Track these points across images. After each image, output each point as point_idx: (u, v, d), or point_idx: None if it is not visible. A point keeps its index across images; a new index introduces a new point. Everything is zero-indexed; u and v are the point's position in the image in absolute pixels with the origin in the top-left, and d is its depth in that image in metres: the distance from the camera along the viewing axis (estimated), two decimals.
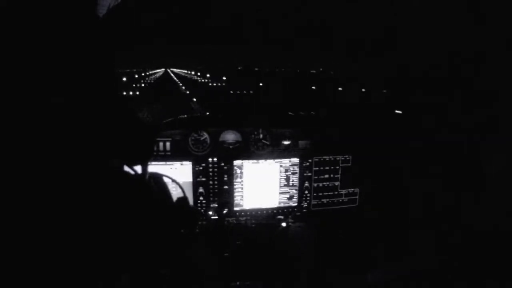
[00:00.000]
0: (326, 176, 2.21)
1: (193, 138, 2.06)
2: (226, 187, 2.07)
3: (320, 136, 2.22)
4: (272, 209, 2.16)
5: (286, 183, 2.16)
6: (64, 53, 0.58)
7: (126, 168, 0.75)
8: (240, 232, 2.04)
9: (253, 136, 2.13)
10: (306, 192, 2.19)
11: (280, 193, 2.16)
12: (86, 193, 0.58)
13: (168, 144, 2.01)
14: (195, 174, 2.03)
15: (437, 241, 2.05)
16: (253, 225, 2.09)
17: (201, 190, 2.05)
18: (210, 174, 2.06)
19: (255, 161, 2.10)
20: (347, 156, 2.22)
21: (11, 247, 0.52)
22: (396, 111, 7.25)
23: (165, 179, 0.86)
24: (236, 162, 2.08)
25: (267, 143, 2.14)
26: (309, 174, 2.17)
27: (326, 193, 2.22)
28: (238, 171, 2.08)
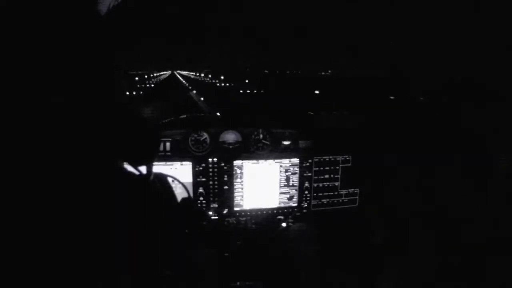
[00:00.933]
0: (326, 176, 2.21)
1: (193, 138, 2.06)
2: (226, 187, 2.07)
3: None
4: (272, 209, 2.16)
5: (286, 183, 2.16)
6: (64, 53, 0.58)
7: (131, 169, 0.75)
8: (240, 232, 2.04)
9: (253, 136, 2.13)
10: (306, 192, 2.19)
11: (280, 193, 2.16)
12: (90, 194, 0.58)
13: (168, 144, 2.01)
14: (195, 174, 2.03)
15: (437, 241, 2.05)
16: (253, 225, 2.09)
17: (201, 190, 2.05)
18: (210, 174, 2.06)
19: (255, 161, 2.10)
20: (347, 156, 2.22)
21: (11, 247, 0.52)
22: None
23: (169, 179, 0.86)
24: (236, 162, 2.08)
25: (267, 143, 2.14)
26: (309, 174, 2.17)
27: (326, 193, 2.22)
28: (238, 171, 2.08)
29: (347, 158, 2.22)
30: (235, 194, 2.10)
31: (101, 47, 0.65)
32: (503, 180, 2.09)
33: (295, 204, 2.19)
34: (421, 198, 2.20)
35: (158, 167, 1.97)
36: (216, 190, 2.07)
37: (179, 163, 2.01)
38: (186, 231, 0.85)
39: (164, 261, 0.72)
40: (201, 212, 1.85)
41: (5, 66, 0.53)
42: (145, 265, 0.65)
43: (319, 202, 2.22)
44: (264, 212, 2.15)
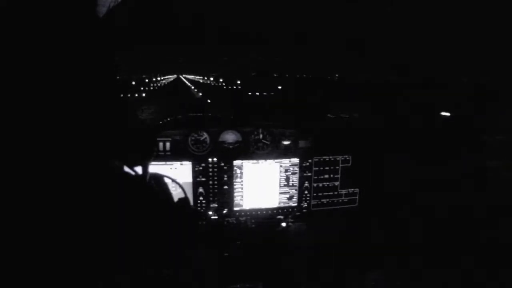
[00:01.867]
0: (326, 176, 2.21)
1: (193, 138, 2.06)
2: (226, 187, 2.07)
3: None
4: (272, 209, 2.16)
5: (286, 183, 2.16)
6: (63, 53, 0.58)
7: (127, 169, 0.75)
8: (240, 232, 2.04)
9: (253, 136, 2.13)
10: (306, 192, 2.19)
11: (280, 193, 2.16)
12: (87, 194, 0.58)
13: (168, 144, 2.01)
14: (195, 174, 2.03)
15: (437, 241, 2.05)
16: (253, 225, 2.09)
17: (201, 190, 2.05)
18: (210, 174, 2.06)
19: (255, 161, 2.10)
20: (347, 156, 2.22)
21: (11, 247, 0.52)
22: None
23: (166, 180, 0.86)
24: (236, 162, 2.08)
25: (267, 143, 2.14)
26: (309, 174, 2.17)
27: (326, 193, 2.22)
28: (238, 171, 2.08)
29: (347, 158, 2.22)
30: (235, 194, 2.10)
31: (101, 48, 0.65)
32: (503, 180, 2.09)
33: (295, 204, 2.19)
34: (421, 198, 2.20)
35: (158, 167, 1.97)
36: (216, 190, 2.07)
37: (179, 163, 2.01)
38: (184, 231, 0.85)
39: (163, 261, 0.72)
40: (198, 212, 1.85)
41: (4, 66, 0.53)
42: (144, 265, 0.65)
43: (319, 202, 2.22)
44: (264, 212, 2.15)
